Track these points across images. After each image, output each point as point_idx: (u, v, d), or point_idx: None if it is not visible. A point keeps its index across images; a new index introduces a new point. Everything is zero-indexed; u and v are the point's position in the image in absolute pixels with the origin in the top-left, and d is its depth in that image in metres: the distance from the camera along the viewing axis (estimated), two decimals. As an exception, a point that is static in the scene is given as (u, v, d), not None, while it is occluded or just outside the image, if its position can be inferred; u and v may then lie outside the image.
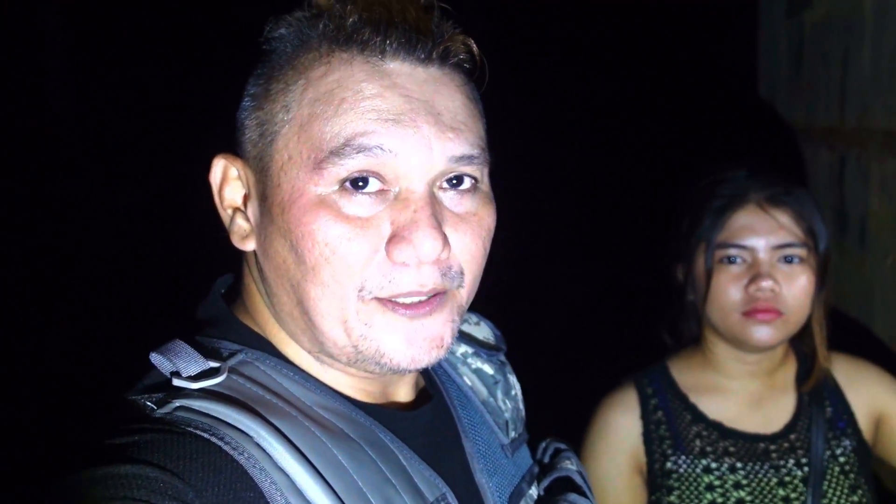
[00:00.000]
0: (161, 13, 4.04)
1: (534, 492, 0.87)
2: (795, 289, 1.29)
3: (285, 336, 0.75)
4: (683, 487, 1.34)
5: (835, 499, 1.31)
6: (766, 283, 1.27)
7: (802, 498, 1.31)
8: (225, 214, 0.75)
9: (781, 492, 1.32)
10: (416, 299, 0.70)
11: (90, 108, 4.03)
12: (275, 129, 0.70)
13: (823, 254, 1.32)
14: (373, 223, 0.68)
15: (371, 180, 0.68)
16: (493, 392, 0.92)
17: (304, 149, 0.68)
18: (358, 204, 0.68)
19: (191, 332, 0.74)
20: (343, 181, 0.67)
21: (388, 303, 0.69)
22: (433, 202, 0.69)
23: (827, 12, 2.15)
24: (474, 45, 0.73)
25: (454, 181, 0.71)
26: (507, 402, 0.92)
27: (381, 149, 0.67)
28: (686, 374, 1.43)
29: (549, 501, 0.84)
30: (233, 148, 0.77)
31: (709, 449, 1.35)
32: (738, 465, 1.33)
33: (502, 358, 0.96)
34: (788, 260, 1.29)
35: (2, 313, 3.10)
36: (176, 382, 0.66)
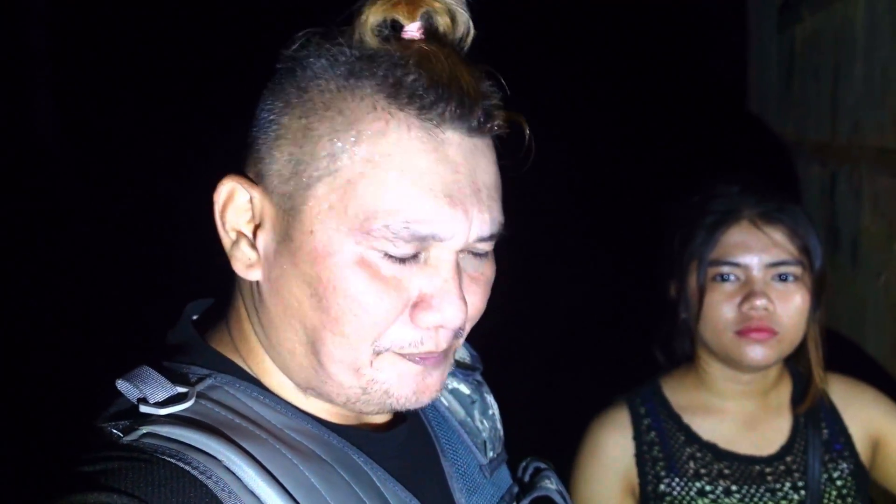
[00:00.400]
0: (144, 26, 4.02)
1: None
2: (790, 307, 1.26)
3: (270, 366, 0.74)
4: None
5: None
6: (759, 302, 1.24)
7: None
8: (227, 238, 0.71)
9: None
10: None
11: (72, 117, 3.99)
12: (316, 174, 0.66)
13: (819, 272, 1.29)
14: (403, 285, 0.68)
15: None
16: (471, 412, 0.91)
17: (350, 207, 0.65)
18: (395, 268, 0.68)
19: (159, 358, 0.72)
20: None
21: (400, 355, 0.70)
22: (459, 271, 0.70)
23: (818, 27, 2.14)
24: (525, 124, 0.71)
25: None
26: (484, 421, 0.91)
27: (434, 238, 0.67)
28: (679, 394, 1.40)
29: None
30: (239, 165, 0.73)
31: (703, 471, 1.32)
32: (734, 487, 1.31)
33: (479, 378, 0.95)
34: (783, 278, 1.27)
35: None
36: (143, 409, 0.65)
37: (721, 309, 1.27)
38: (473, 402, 0.92)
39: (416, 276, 0.68)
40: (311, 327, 0.68)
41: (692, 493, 1.31)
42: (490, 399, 0.95)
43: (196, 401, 0.67)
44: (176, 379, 0.68)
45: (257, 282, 0.71)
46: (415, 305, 0.68)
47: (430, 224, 0.66)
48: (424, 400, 0.72)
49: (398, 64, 0.66)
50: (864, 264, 1.82)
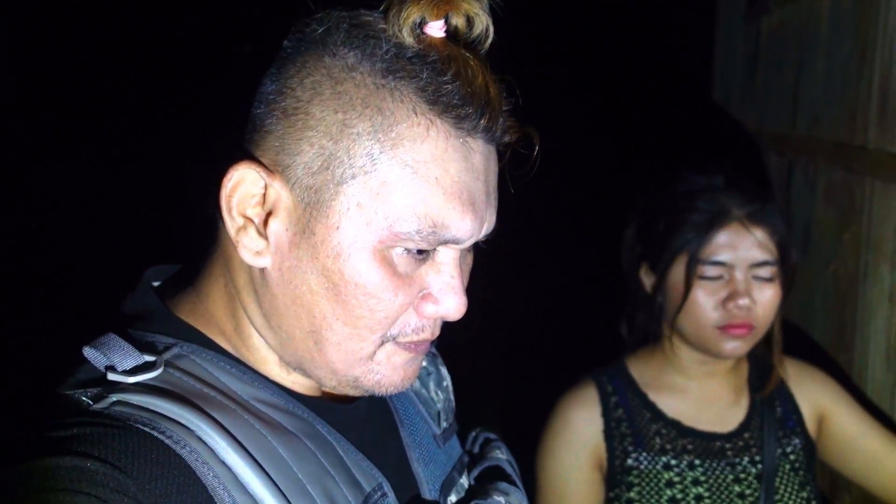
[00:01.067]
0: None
1: (464, 481, 0.88)
2: (766, 303, 1.32)
3: (257, 342, 0.74)
4: (644, 484, 1.36)
5: (786, 494, 1.37)
6: (743, 302, 1.30)
7: (756, 494, 1.36)
8: (233, 223, 0.69)
9: (737, 488, 1.37)
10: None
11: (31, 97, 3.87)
12: (350, 171, 0.66)
13: (791, 267, 1.35)
14: (415, 281, 0.70)
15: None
16: (426, 383, 0.93)
17: (382, 208, 0.66)
18: (411, 265, 0.70)
19: (121, 326, 0.71)
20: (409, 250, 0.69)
21: (398, 342, 0.72)
22: (460, 266, 0.73)
23: (784, 20, 2.19)
24: (537, 138, 0.72)
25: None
26: (438, 392, 0.94)
27: (454, 241, 0.70)
28: (645, 373, 1.45)
29: (479, 490, 0.85)
30: (240, 145, 0.71)
31: (668, 446, 1.38)
32: (697, 462, 1.37)
33: (434, 350, 0.97)
34: (762, 276, 1.32)
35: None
36: (111, 377, 0.64)
37: (705, 306, 1.32)
38: (430, 374, 0.94)
39: (424, 271, 0.70)
40: (320, 317, 0.69)
41: (658, 467, 1.37)
42: (444, 371, 0.97)
43: (164, 370, 0.66)
44: (142, 347, 0.68)
45: (262, 268, 0.70)
46: (421, 297, 0.71)
47: (455, 230, 0.68)
48: (407, 385, 0.74)
49: (438, 70, 0.66)
50: (815, 253, 1.89)
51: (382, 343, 0.71)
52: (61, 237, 3.49)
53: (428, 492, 0.81)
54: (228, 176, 0.68)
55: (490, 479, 0.87)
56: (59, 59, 3.92)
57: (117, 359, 0.65)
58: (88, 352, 0.66)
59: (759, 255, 1.31)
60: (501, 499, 0.82)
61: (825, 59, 1.88)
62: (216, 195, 0.72)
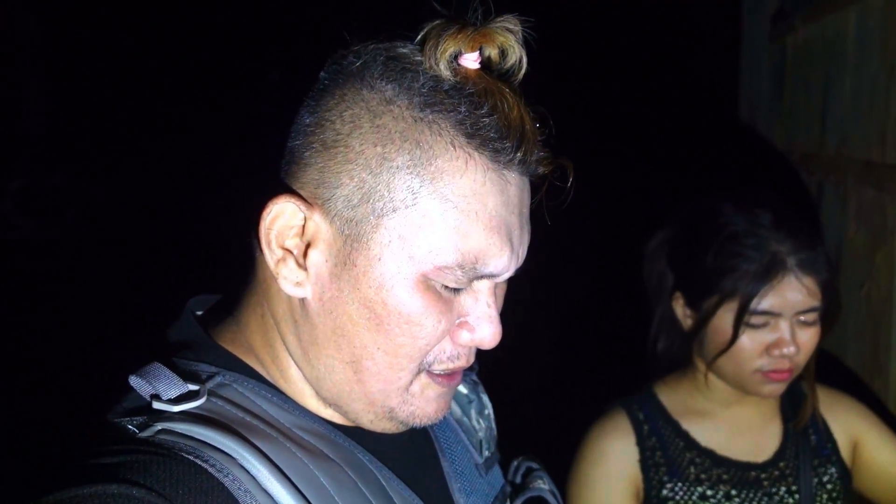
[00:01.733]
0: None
1: None
2: (807, 346, 1.30)
3: (295, 374, 0.74)
4: None
5: None
6: (788, 350, 1.28)
7: None
8: (272, 255, 0.70)
9: None
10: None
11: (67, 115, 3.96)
12: (391, 204, 0.67)
13: (832, 306, 1.32)
14: (453, 308, 0.71)
15: None
16: (467, 411, 0.93)
17: (424, 241, 0.67)
18: (449, 293, 0.71)
19: (165, 355, 0.72)
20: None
21: (432, 374, 0.73)
22: (495, 295, 0.74)
23: (809, 38, 2.16)
24: (571, 171, 0.72)
25: None
26: (480, 421, 0.94)
27: (492, 275, 0.70)
28: (674, 401, 1.43)
29: None
30: (286, 181, 0.71)
31: (703, 476, 1.36)
32: (733, 492, 1.35)
33: (475, 377, 0.97)
34: (806, 322, 1.30)
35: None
36: (156, 405, 0.66)
37: (750, 352, 1.30)
38: (471, 402, 0.94)
39: (461, 298, 0.71)
40: (360, 347, 0.69)
41: (694, 498, 1.34)
42: (485, 399, 0.97)
43: (208, 398, 0.67)
44: (186, 376, 0.69)
45: (302, 299, 0.71)
46: (457, 325, 0.72)
47: (493, 266, 0.69)
48: (440, 417, 0.75)
49: (475, 103, 0.66)
50: (848, 275, 1.85)
51: (418, 372, 0.72)
52: (105, 268, 3.56)
53: None
54: (268, 209, 0.69)
55: None
56: (93, 84, 4.01)
57: (162, 388, 0.67)
58: (134, 381, 0.67)
59: (807, 303, 1.28)
60: None
61: (852, 77, 1.85)
62: (253, 226, 0.73)
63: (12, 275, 3.40)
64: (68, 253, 3.65)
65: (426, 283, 0.68)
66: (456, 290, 0.70)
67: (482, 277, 0.70)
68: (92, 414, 0.68)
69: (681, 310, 1.40)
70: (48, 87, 3.85)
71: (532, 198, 0.73)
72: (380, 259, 0.67)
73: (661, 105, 3.56)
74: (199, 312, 0.82)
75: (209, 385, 0.69)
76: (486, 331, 0.72)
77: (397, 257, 0.67)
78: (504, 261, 0.69)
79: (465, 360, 0.74)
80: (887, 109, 1.64)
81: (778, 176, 2.27)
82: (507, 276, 0.72)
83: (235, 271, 0.81)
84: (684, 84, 3.41)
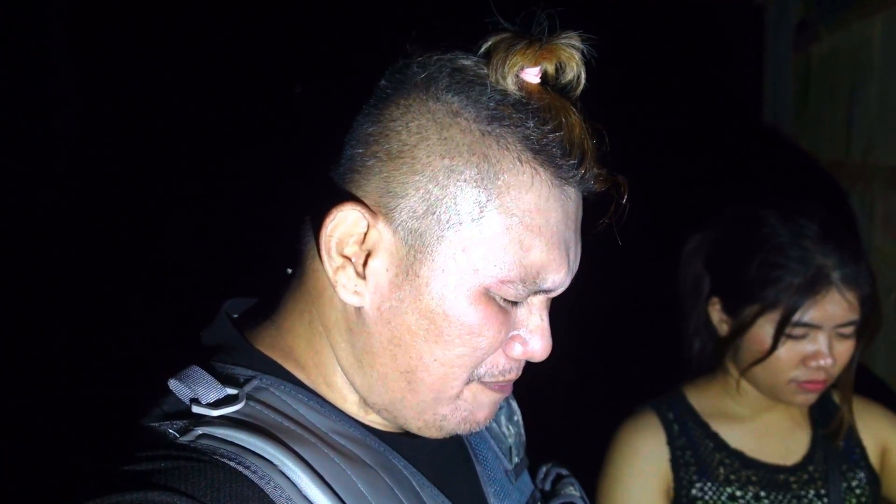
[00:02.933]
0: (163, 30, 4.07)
1: None
2: (843, 358, 1.30)
3: (339, 380, 0.74)
4: None
5: None
6: (825, 363, 1.27)
7: None
8: (331, 262, 0.69)
9: None
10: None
11: (93, 120, 4.04)
12: (457, 218, 0.67)
13: (873, 319, 1.31)
14: (510, 320, 0.71)
15: None
16: (497, 418, 0.93)
17: (489, 255, 0.67)
18: (507, 304, 0.71)
19: (202, 358, 0.72)
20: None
21: (484, 382, 0.73)
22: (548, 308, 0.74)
23: (834, 47, 2.16)
24: (626, 189, 0.72)
25: None
26: (510, 427, 0.93)
27: (548, 292, 0.71)
28: (704, 403, 1.43)
29: None
30: (348, 189, 0.70)
31: (732, 477, 1.36)
32: (762, 493, 1.34)
33: None
34: (843, 334, 1.29)
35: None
36: (196, 410, 0.65)
37: (787, 363, 1.29)
38: (501, 409, 0.93)
39: (517, 311, 0.72)
40: (416, 357, 0.69)
41: (724, 498, 1.34)
42: (515, 405, 0.97)
43: (246, 402, 0.67)
44: (224, 380, 0.68)
45: (358, 307, 0.70)
46: (509, 338, 0.72)
47: (552, 280, 0.70)
48: (486, 424, 0.75)
49: (542, 119, 0.66)
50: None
51: (469, 382, 0.72)
52: (137, 271, 3.61)
53: None
54: (331, 216, 0.68)
55: None
56: (124, 91, 4.08)
57: (202, 391, 0.66)
58: (174, 384, 0.67)
59: (847, 317, 1.27)
60: None
61: (878, 84, 1.85)
62: (308, 232, 0.74)
63: (38, 274, 3.46)
64: (100, 253, 3.71)
65: (487, 296, 0.68)
66: (514, 304, 0.70)
67: (539, 292, 0.70)
68: (128, 418, 0.68)
69: (717, 315, 1.40)
70: (78, 86, 3.93)
71: (601, 218, 0.73)
72: (444, 271, 0.67)
73: (686, 115, 3.55)
74: (235, 316, 0.82)
75: (247, 389, 0.68)
76: (539, 344, 0.72)
77: (461, 269, 0.67)
78: (562, 276, 0.70)
79: (516, 373, 0.74)
80: (914, 116, 1.64)
81: (804, 184, 2.26)
82: (561, 290, 0.72)
83: (274, 275, 0.81)
84: (709, 94, 3.41)
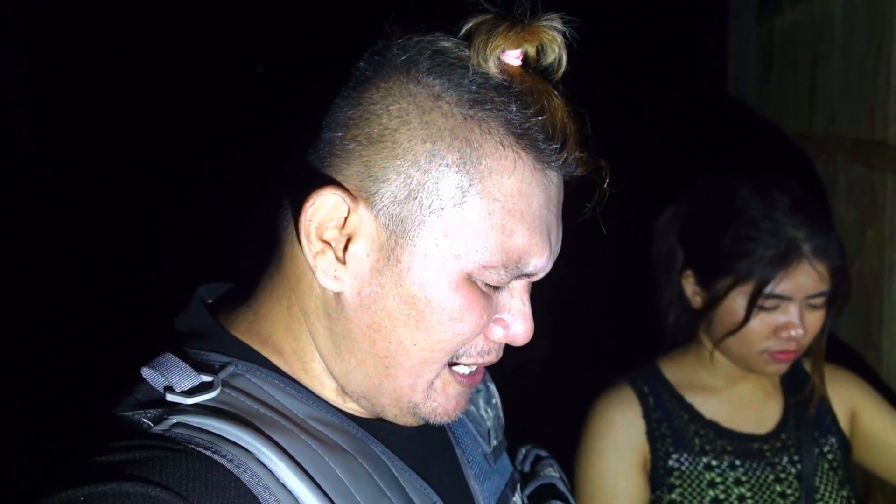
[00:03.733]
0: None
1: (518, 499, 0.87)
2: (814, 328, 1.33)
3: (317, 367, 0.73)
4: (686, 485, 1.37)
5: (826, 493, 1.38)
6: (797, 332, 1.30)
7: (797, 493, 1.37)
8: (311, 247, 0.68)
9: (778, 488, 1.37)
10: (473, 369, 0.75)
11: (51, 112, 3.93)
12: (438, 203, 0.66)
13: (844, 289, 1.34)
14: (492, 304, 0.71)
15: None
16: (475, 401, 0.93)
17: (470, 241, 0.67)
18: (489, 289, 0.71)
19: (175, 344, 0.71)
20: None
21: (454, 373, 0.73)
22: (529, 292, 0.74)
23: (797, 19, 2.18)
24: (608, 173, 0.71)
25: None
26: (488, 410, 0.94)
27: (530, 276, 0.71)
28: (678, 375, 1.46)
29: None
30: (328, 173, 0.69)
31: (708, 447, 1.39)
32: (737, 462, 1.38)
33: None
34: (814, 305, 1.32)
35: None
36: (170, 398, 0.64)
37: (759, 334, 1.32)
38: (479, 392, 0.94)
39: (498, 295, 0.72)
40: (396, 343, 0.69)
41: (700, 468, 1.38)
42: (493, 388, 0.97)
43: (222, 390, 0.66)
44: (198, 366, 0.67)
45: (337, 293, 0.70)
46: (492, 321, 0.72)
47: (533, 266, 0.70)
48: (458, 414, 0.75)
49: (524, 103, 0.66)
50: (839, 251, 1.88)
51: (448, 366, 0.72)
52: (110, 254, 3.54)
53: None
54: (311, 201, 0.67)
55: (544, 497, 0.87)
56: (84, 70, 3.98)
57: (176, 379, 0.65)
58: (147, 372, 0.66)
59: (817, 288, 1.30)
60: None
61: (840, 56, 1.87)
62: (287, 216, 0.72)
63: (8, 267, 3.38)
64: (69, 240, 3.63)
65: (469, 281, 0.68)
66: (496, 288, 0.70)
67: (521, 276, 0.70)
68: (100, 407, 0.66)
69: (691, 287, 1.42)
70: (35, 77, 3.81)
71: (590, 203, 0.73)
72: (425, 256, 0.67)
73: (649, 87, 3.57)
74: (209, 301, 0.81)
75: (222, 375, 0.68)
76: (521, 328, 0.72)
77: (443, 255, 0.67)
78: (543, 260, 0.70)
79: (495, 355, 0.74)
80: (875, 87, 1.67)
81: (768, 157, 2.30)
82: (543, 274, 0.72)
83: (249, 260, 0.79)
84: (673, 66, 3.43)
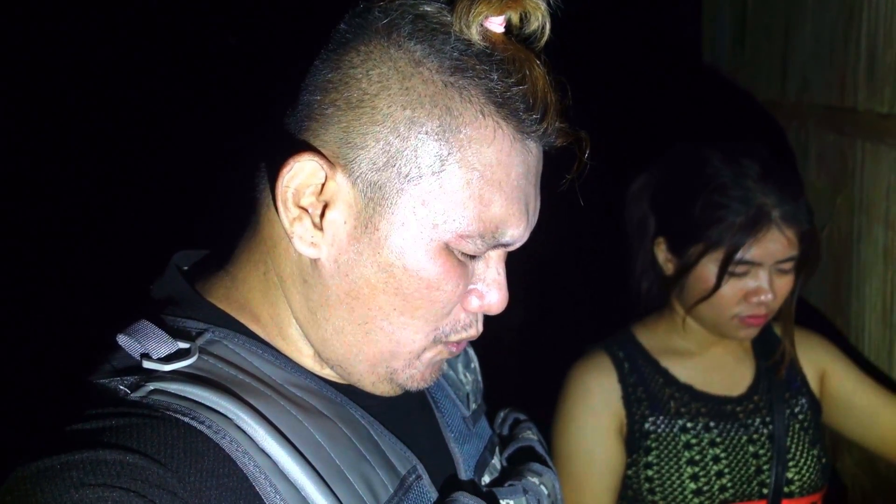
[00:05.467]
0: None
1: (496, 462, 0.88)
2: (783, 292, 1.36)
3: (294, 332, 0.73)
4: (662, 447, 1.40)
5: (798, 453, 1.42)
6: (766, 297, 1.33)
7: (770, 453, 1.41)
8: (287, 213, 0.67)
9: (751, 448, 1.41)
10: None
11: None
12: (417, 171, 0.65)
13: (813, 254, 1.36)
14: (468, 272, 0.71)
15: None
16: (454, 365, 0.94)
17: (449, 210, 0.66)
18: (466, 257, 0.70)
19: (151, 312, 0.70)
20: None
21: (448, 343, 0.73)
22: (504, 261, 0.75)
23: (770, -14, 2.18)
24: (587, 144, 0.71)
25: None
26: (467, 374, 0.95)
27: (507, 246, 0.72)
28: (652, 340, 1.49)
29: (513, 471, 0.85)
30: (305, 138, 0.68)
31: (683, 410, 1.42)
32: (712, 424, 1.42)
33: None
34: (783, 269, 1.34)
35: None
36: (147, 365, 0.64)
37: (729, 299, 1.34)
38: (457, 357, 0.94)
39: (474, 265, 0.72)
40: (376, 309, 0.68)
41: (675, 430, 1.41)
42: (471, 352, 0.98)
43: (199, 356, 0.66)
44: (175, 333, 0.67)
45: (314, 259, 0.69)
46: (468, 291, 0.72)
47: (510, 236, 0.70)
48: (434, 380, 0.76)
49: (506, 71, 0.65)
50: (810, 218, 1.90)
51: (434, 342, 0.72)
52: (83, 223, 3.49)
53: (464, 472, 0.81)
54: (288, 166, 0.66)
55: (523, 459, 0.88)
56: (63, 47, 3.88)
57: (152, 346, 0.65)
58: (123, 339, 0.66)
59: (786, 253, 1.32)
60: (535, 479, 0.82)
61: (812, 23, 1.88)
62: (263, 181, 0.71)
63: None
64: (44, 207, 3.57)
65: (446, 250, 0.68)
66: (472, 257, 0.70)
67: (498, 246, 0.70)
68: (76, 375, 0.65)
69: (662, 255, 1.44)
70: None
71: (568, 174, 0.72)
72: (403, 224, 0.66)
73: (622, 53, 3.56)
74: (185, 268, 0.80)
75: (199, 342, 0.67)
76: (496, 297, 0.73)
77: (421, 223, 0.66)
78: (521, 230, 0.70)
79: (475, 330, 0.74)
80: (846, 55, 1.68)
81: (742, 124, 2.31)
82: (520, 244, 0.72)
83: (225, 225, 0.78)
84: (647, 32, 3.42)
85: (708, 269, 1.34)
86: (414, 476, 0.73)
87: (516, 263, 0.81)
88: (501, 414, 0.98)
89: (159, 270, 0.78)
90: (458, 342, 0.74)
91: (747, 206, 1.31)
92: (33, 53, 3.82)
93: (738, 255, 1.31)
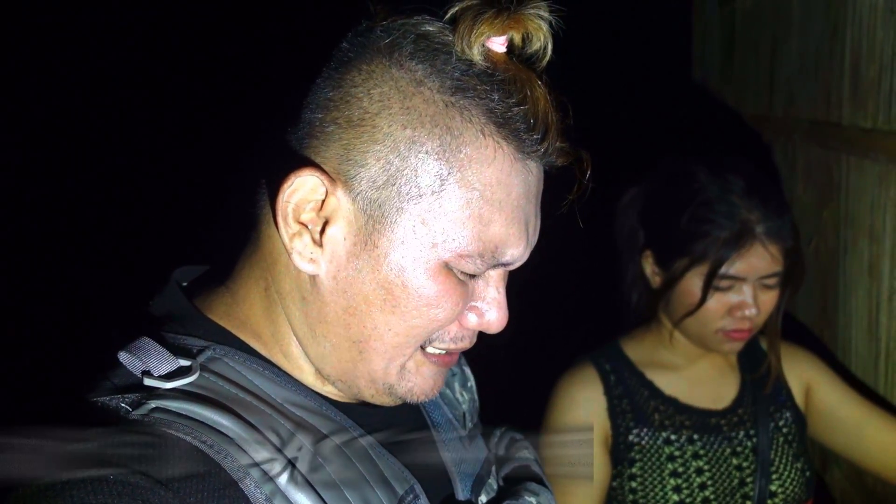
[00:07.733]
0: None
1: (493, 481, 0.88)
2: (767, 307, 1.36)
3: (294, 350, 0.73)
4: (646, 459, 1.41)
5: (781, 466, 1.42)
6: (750, 312, 1.34)
7: (753, 466, 1.41)
8: (287, 228, 0.67)
9: (735, 461, 1.42)
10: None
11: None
12: (416, 190, 0.65)
13: (797, 269, 1.37)
14: (468, 291, 0.71)
15: None
16: (451, 384, 0.94)
17: (448, 230, 0.66)
18: (466, 277, 0.70)
19: (152, 329, 0.70)
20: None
21: (426, 354, 0.73)
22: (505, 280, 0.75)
23: (757, 2, 2.21)
24: (588, 164, 0.71)
25: None
26: (464, 393, 0.94)
27: (506, 265, 0.71)
28: (639, 353, 1.49)
29: (509, 491, 0.85)
30: (306, 155, 0.68)
31: (667, 422, 1.43)
32: (695, 436, 1.42)
33: None
34: (767, 285, 1.35)
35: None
36: (148, 382, 0.63)
37: (714, 314, 1.35)
38: (454, 375, 0.94)
39: (474, 283, 0.72)
40: (371, 327, 0.69)
41: (659, 442, 1.41)
42: (468, 371, 0.98)
43: (200, 374, 0.66)
44: (175, 351, 0.67)
45: (313, 276, 0.69)
46: (466, 308, 0.72)
47: (510, 256, 0.70)
48: (436, 393, 0.76)
49: (507, 92, 0.65)
50: (797, 231, 1.91)
51: (421, 350, 0.72)
52: (83, 238, 3.49)
53: (461, 491, 0.81)
54: (289, 181, 0.66)
55: (519, 479, 0.87)
56: (71, 55, 3.90)
57: (153, 363, 0.65)
58: (124, 356, 0.65)
59: (770, 269, 1.33)
60: (532, 499, 0.82)
61: (798, 38, 1.90)
62: (264, 197, 0.72)
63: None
64: (46, 223, 3.56)
65: (446, 269, 0.68)
66: (472, 276, 0.70)
67: (498, 265, 0.70)
68: (77, 392, 0.65)
69: (650, 268, 1.45)
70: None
71: (569, 195, 0.72)
72: (402, 243, 0.66)
73: (614, 69, 3.59)
74: (185, 284, 0.80)
75: (200, 359, 0.67)
76: (495, 316, 0.72)
77: (420, 242, 0.66)
78: (520, 250, 0.70)
79: (469, 342, 0.74)
80: (831, 69, 1.70)
81: (730, 138, 2.32)
82: (519, 264, 0.72)
83: (227, 241, 0.78)
84: (638, 48, 3.45)
85: (693, 282, 1.35)
86: (412, 496, 0.72)
87: (510, 275, 0.81)
88: (497, 433, 0.97)
89: (159, 287, 0.78)
90: (444, 353, 0.74)
91: (732, 221, 1.31)
92: (34, 69, 3.83)
93: (723, 270, 1.32)
